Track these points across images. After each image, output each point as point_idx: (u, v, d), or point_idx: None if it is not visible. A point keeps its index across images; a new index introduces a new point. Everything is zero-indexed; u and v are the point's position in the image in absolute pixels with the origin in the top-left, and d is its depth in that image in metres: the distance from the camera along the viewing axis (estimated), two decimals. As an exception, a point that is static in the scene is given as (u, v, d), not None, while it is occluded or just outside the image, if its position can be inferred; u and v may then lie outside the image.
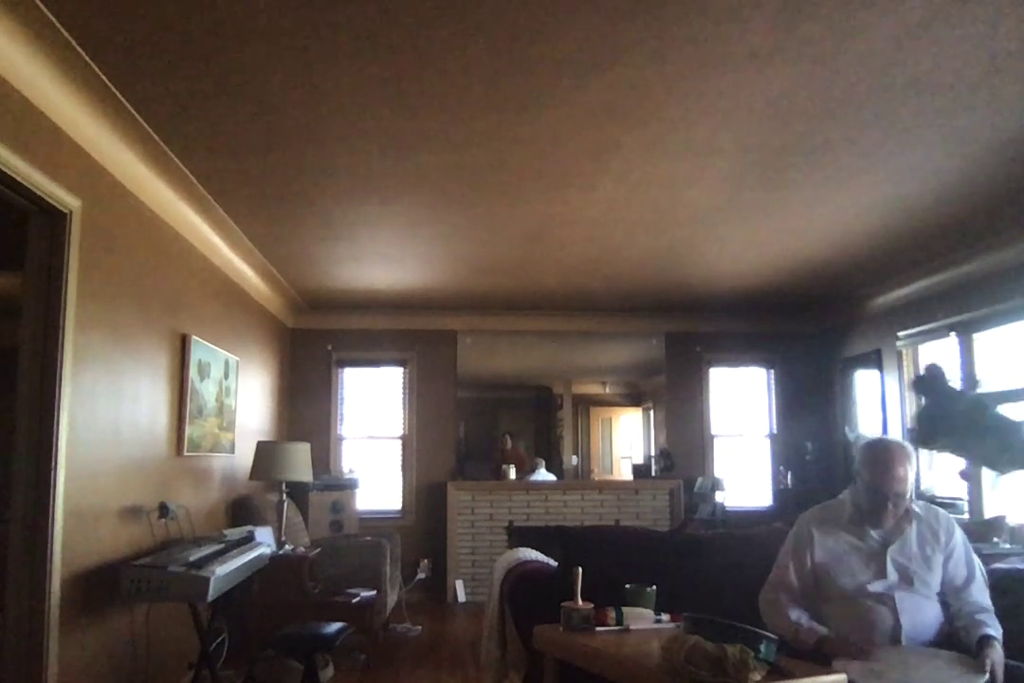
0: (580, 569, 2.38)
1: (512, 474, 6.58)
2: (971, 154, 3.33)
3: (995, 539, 4.15)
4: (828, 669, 1.99)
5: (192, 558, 3.04)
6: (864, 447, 2.44)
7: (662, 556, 2.90)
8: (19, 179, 2.45)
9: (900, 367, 5.76)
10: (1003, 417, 0.92)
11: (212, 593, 2.91)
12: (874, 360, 6.10)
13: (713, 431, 7.08)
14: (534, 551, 3.43)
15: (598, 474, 7.02)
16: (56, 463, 2.64)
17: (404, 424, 6.86)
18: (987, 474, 4.00)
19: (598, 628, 2.27)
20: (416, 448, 6.78)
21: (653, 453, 7.02)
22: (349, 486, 6.11)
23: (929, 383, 0.95)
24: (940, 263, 5.03)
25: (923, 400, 0.95)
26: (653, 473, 6.87)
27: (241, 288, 5.19)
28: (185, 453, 3.97)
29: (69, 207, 2.74)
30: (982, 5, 2.23)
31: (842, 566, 2.36)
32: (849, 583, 2.33)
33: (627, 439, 7.19)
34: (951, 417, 0.88)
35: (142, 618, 3.25)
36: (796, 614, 2.33)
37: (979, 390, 4.17)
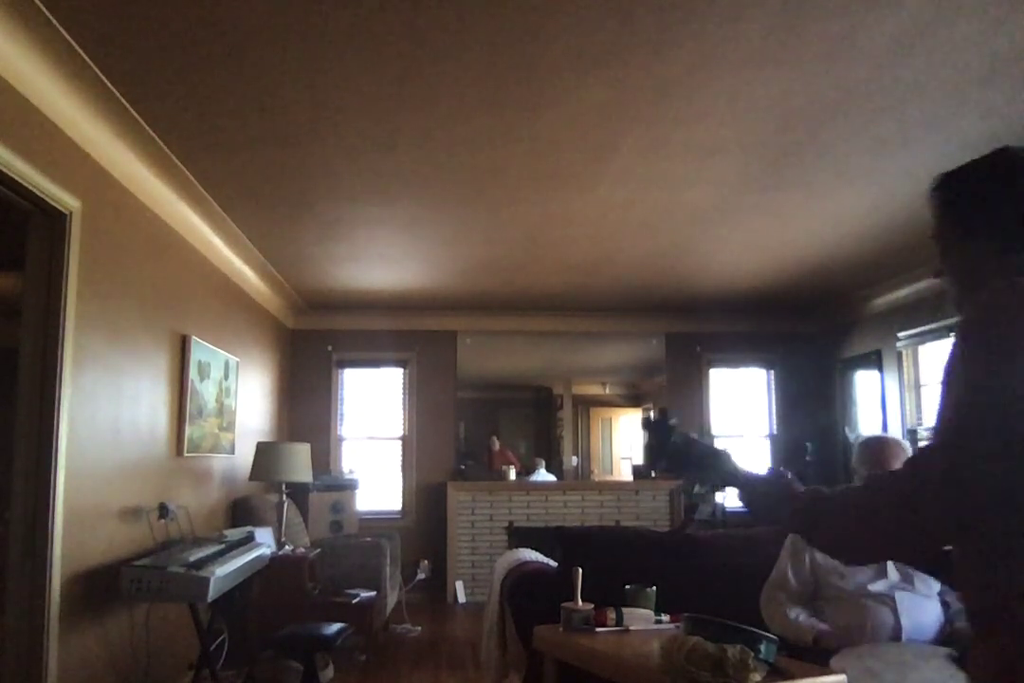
0: (580, 569, 2.38)
1: (512, 475, 6.57)
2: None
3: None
4: (828, 669, 2.00)
5: (192, 558, 3.04)
6: (861, 445, 2.45)
7: (662, 557, 2.90)
8: (19, 180, 2.45)
9: (900, 368, 5.76)
10: (708, 447, 1.08)
11: (212, 593, 2.91)
12: (874, 361, 6.10)
13: (713, 431, 7.08)
14: (534, 552, 3.43)
15: (598, 475, 7.01)
16: (56, 463, 2.64)
17: (404, 424, 6.86)
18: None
19: (598, 629, 2.27)
20: (416, 448, 6.78)
21: (653, 453, 7.01)
22: (349, 486, 6.10)
23: (653, 423, 1.13)
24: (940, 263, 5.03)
25: (649, 437, 1.16)
26: (653, 474, 6.86)
27: (241, 288, 5.19)
28: (185, 453, 3.97)
29: (69, 208, 2.74)
30: (982, 6, 2.23)
31: (842, 566, 2.36)
32: (849, 583, 2.33)
33: (627, 439, 7.19)
34: (667, 448, 1.03)
35: (142, 618, 3.25)
36: (795, 612, 2.34)
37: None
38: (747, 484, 1.19)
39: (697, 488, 1.31)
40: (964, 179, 1.25)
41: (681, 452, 1.24)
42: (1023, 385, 0.94)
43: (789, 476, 1.15)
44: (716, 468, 1.22)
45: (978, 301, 1.04)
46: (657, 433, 1.25)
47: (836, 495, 1.08)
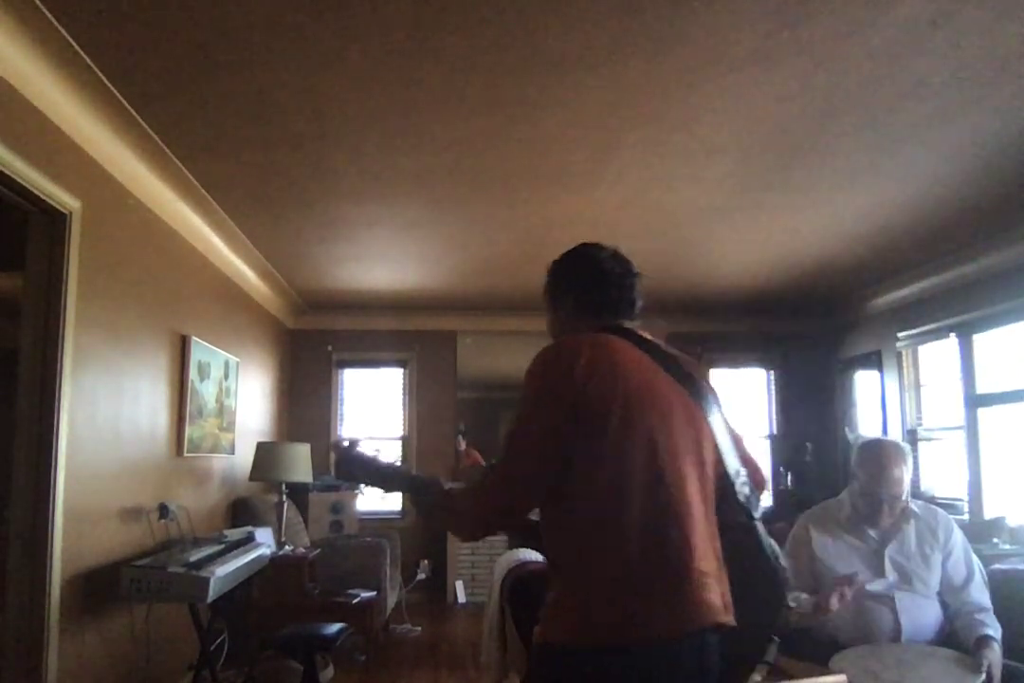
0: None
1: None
2: (971, 155, 3.33)
3: (995, 539, 4.15)
4: (828, 669, 2.00)
5: (192, 559, 3.04)
6: (860, 448, 2.45)
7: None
8: (19, 180, 2.45)
9: (900, 368, 5.76)
10: (382, 463, 1.57)
11: (212, 594, 2.91)
12: (874, 361, 6.10)
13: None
14: (534, 551, 3.43)
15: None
16: (56, 463, 2.64)
17: (404, 425, 6.86)
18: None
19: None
20: (416, 449, 6.78)
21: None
22: (349, 487, 6.10)
23: (336, 446, 1.50)
24: (940, 263, 5.03)
25: (336, 457, 1.53)
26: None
27: (241, 288, 5.19)
28: (185, 454, 3.97)
29: (69, 208, 2.74)
30: (982, 7, 2.23)
31: (841, 566, 2.36)
32: (848, 582, 2.33)
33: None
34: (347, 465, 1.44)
35: (142, 618, 3.25)
36: (793, 595, 2.34)
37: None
38: (409, 489, 1.52)
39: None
40: (554, 267, 1.65)
41: (356, 466, 1.54)
42: (542, 422, 1.34)
43: (441, 482, 1.48)
44: (387, 479, 1.54)
45: (538, 354, 1.41)
46: (341, 453, 1.55)
47: (452, 492, 1.47)
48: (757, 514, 1.42)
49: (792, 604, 2.32)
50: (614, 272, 1.57)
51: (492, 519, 1.40)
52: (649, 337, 1.52)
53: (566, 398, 1.32)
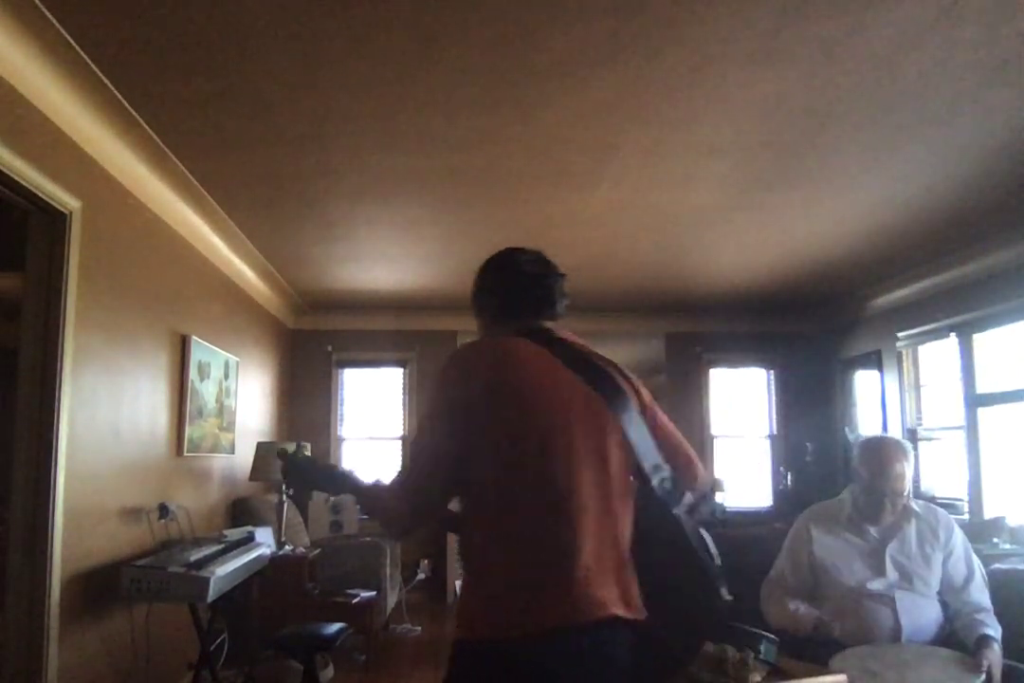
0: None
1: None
2: (971, 155, 3.33)
3: (995, 539, 4.15)
4: (828, 669, 2.00)
5: (192, 559, 3.04)
6: (861, 445, 2.44)
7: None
8: (19, 179, 2.45)
9: (900, 368, 5.76)
10: (326, 467, 1.67)
11: (212, 593, 2.91)
12: (874, 361, 6.10)
13: (713, 432, 7.08)
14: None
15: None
16: (56, 463, 2.64)
17: (404, 425, 6.86)
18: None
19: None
20: (416, 448, 6.76)
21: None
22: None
23: (282, 453, 1.54)
24: (940, 263, 5.03)
25: (282, 464, 1.58)
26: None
27: (241, 288, 5.19)
28: (185, 454, 3.97)
29: (69, 208, 2.74)
30: (981, 9, 2.23)
31: (841, 564, 2.36)
32: (848, 581, 2.33)
33: (627, 439, 7.18)
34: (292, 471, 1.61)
35: (142, 618, 3.25)
36: (795, 604, 2.34)
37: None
38: (355, 490, 1.58)
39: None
40: (478, 273, 1.68)
41: (303, 472, 1.61)
42: (438, 427, 1.43)
43: (379, 482, 1.53)
44: (332, 482, 1.60)
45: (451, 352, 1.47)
46: (286, 460, 1.61)
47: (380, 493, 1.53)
48: (678, 509, 1.44)
49: (792, 607, 2.32)
50: (532, 273, 1.63)
51: (405, 520, 1.47)
52: (565, 337, 1.58)
53: (459, 403, 1.40)
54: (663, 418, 1.61)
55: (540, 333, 1.55)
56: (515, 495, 1.37)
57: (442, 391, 1.44)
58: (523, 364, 1.43)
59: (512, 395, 1.39)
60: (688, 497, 1.47)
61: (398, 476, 1.47)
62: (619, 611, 1.36)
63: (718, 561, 1.47)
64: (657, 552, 1.45)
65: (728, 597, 1.42)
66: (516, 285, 1.62)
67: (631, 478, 1.47)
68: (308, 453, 1.57)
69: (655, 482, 1.44)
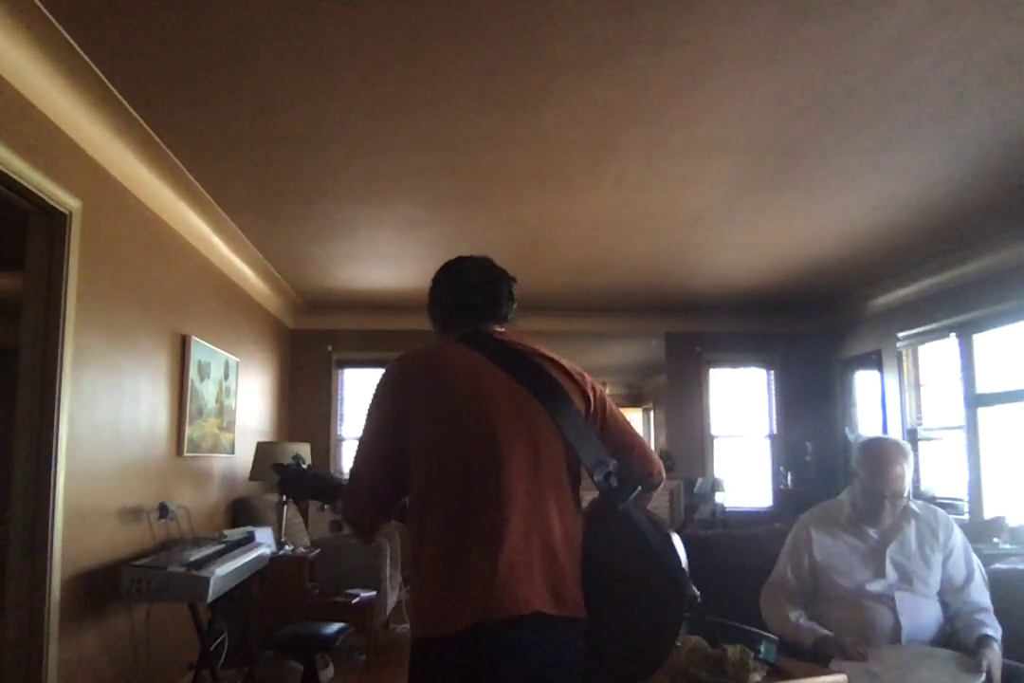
0: (579, 569, 2.37)
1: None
2: (971, 155, 3.33)
3: (995, 539, 4.15)
4: (828, 669, 1.99)
5: (192, 558, 3.04)
6: (861, 446, 2.44)
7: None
8: (19, 180, 2.45)
9: (900, 368, 5.76)
10: (317, 476, 1.83)
11: (212, 593, 2.91)
12: (874, 361, 6.10)
13: (713, 431, 7.08)
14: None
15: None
16: (56, 463, 2.64)
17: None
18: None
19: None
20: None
21: (653, 453, 7.00)
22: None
23: (276, 466, 1.78)
24: (940, 263, 5.03)
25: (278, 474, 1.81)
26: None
27: (241, 288, 5.19)
28: (185, 453, 3.97)
29: (69, 208, 2.74)
30: (982, 8, 2.23)
31: (841, 565, 2.36)
32: (848, 582, 2.33)
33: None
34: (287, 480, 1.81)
35: (142, 618, 3.25)
36: (796, 614, 2.33)
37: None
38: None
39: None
40: (431, 283, 1.71)
41: (297, 484, 1.76)
42: (372, 435, 1.51)
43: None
44: (324, 492, 1.74)
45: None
46: (280, 471, 1.72)
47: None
48: (625, 505, 1.46)
49: (793, 618, 2.32)
50: (475, 280, 1.66)
51: (359, 524, 1.58)
52: (505, 338, 1.59)
53: (389, 410, 1.48)
54: (616, 414, 1.62)
55: (476, 337, 1.58)
56: (440, 497, 1.42)
57: (374, 400, 1.51)
58: (449, 369, 1.48)
59: (437, 400, 1.44)
60: (640, 491, 1.48)
61: (347, 483, 1.56)
62: (544, 608, 1.37)
63: (683, 557, 1.50)
64: (606, 547, 1.48)
65: (695, 593, 1.44)
66: (460, 293, 1.66)
67: (570, 474, 1.49)
68: (307, 461, 1.65)
69: (598, 477, 1.46)
